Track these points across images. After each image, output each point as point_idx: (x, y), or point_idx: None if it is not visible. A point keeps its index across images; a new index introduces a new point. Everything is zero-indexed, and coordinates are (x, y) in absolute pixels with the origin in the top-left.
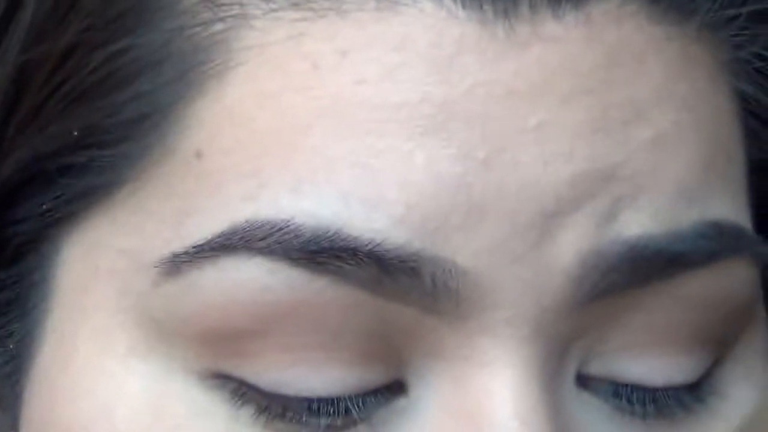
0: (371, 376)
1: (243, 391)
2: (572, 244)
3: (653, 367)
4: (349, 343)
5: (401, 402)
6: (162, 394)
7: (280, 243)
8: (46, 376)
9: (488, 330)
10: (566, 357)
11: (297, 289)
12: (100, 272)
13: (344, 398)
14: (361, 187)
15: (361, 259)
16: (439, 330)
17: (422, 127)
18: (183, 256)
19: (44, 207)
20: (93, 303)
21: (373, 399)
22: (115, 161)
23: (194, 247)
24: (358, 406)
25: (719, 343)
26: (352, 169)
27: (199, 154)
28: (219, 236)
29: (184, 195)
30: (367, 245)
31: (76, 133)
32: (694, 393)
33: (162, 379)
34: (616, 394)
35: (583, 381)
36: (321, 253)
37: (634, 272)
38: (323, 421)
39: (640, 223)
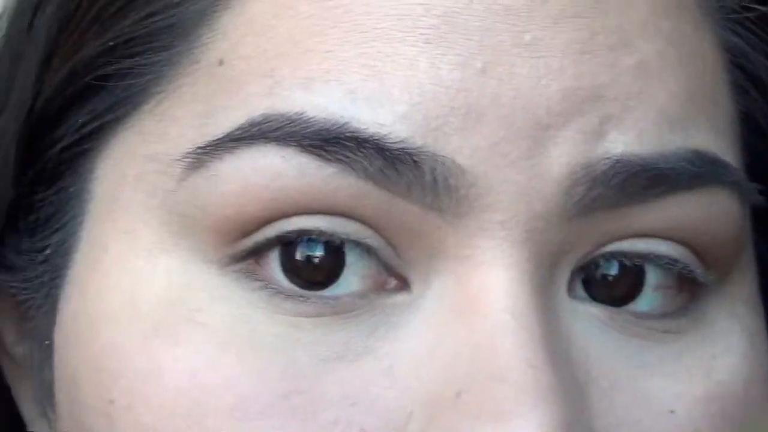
0: (369, 240)
1: (256, 275)
2: (563, 157)
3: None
4: (354, 230)
5: (404, 297)
6: (183, 284)
7: (292, 133)
8: (78, 279)
9: (485, 231)
10: (558, 268)
11: (307, 175)
12: (128, 180)
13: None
14: (368, 86)
15: (367, 150)
16: (441, 228)
17: (425, 36)
18: (206, 148)
19: (80, 122)
20: (122, 208)
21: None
22: (145, 71)
23: (216, 139)
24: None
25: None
26: (360, 70)
27: (221, 62)
28: (238, 129)
29: (207, 99)
30: (372, 137)
31: (111, 44)
32: (678, 314)
33: (184, 271)
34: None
35: (574, 293)
36: (329, 141)
37: (620, 187)
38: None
39: (626, 142)
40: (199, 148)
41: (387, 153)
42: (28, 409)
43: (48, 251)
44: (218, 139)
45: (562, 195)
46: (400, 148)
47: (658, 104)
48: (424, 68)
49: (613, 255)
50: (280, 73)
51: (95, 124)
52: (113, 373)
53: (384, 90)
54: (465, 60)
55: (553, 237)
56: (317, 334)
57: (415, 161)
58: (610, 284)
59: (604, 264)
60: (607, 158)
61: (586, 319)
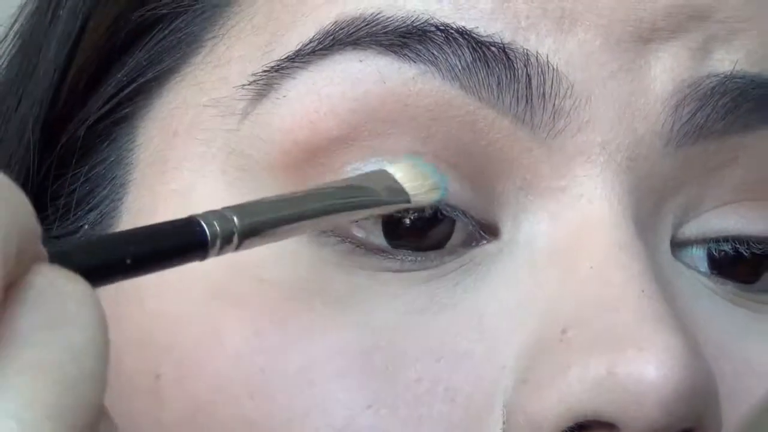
0: (459, 194)
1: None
2: (667, 72)
3: (749, 219)
4: (437, 149)
5: (492, 246)
6: None
7: (370, 33)
8: None
9: (584, 155)
10: (662, 215)
11: (387, 79)
12: (179, 135)
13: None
14: None
15: (455, 43)
16: (533, 152)
17: None
18: (276, 67)
19: (121, 83)
20: (173, 167)
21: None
22: (192, 20)
23: (286, 57)
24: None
25: None
26: None
27: None
28: (310, 42)
29: (269, 27)
30: (462, 28)
31: None
32: None
33: None
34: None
35: (678, 248)
36: (411, 35)
37: (729, 110)
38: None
39: (732, 61)
40: (268, 69)
41: (477, 44)
42: None
43: (80, 233)
44: (289, 56)
45: (668, 115)
46: (491, 41)
47: (767, 29)
48: None
49: (726, 239)
50: None
51: (136, 84)
52: (162, 345)
53: None
54: None
55: (657, 168)
56: (398, 286)
57: (507, 54)
58: (721, 264)
59: (714, 248)
60: (715, 75)
61: (690, 281)
